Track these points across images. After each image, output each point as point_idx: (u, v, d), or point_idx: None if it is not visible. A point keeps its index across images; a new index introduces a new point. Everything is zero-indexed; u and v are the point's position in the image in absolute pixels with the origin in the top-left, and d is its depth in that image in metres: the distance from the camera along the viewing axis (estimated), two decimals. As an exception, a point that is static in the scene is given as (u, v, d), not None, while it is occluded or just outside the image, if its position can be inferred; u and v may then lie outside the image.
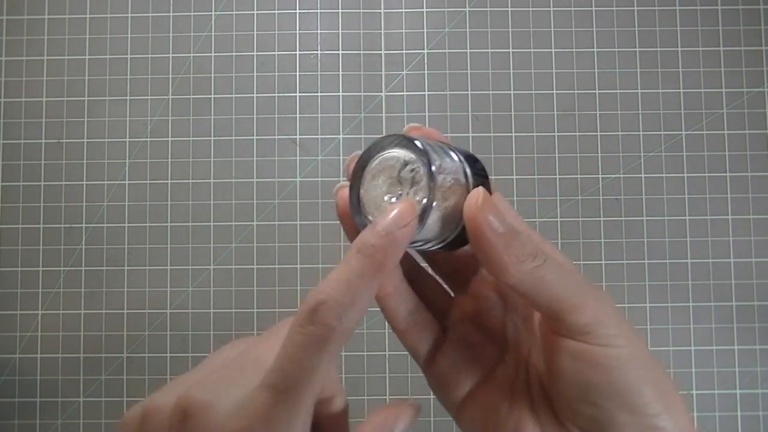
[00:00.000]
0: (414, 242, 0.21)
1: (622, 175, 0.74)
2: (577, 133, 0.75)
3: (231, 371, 0.18)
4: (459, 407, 0.24)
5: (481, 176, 0.22)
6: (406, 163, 0.21)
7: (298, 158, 0.75)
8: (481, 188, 0.20)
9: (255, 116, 0.75)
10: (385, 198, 0.21)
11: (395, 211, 0.18)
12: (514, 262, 0.19)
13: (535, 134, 0.75)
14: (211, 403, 0.16)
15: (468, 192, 0.20)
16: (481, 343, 0.24)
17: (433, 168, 0.20)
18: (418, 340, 0.23)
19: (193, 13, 0.76)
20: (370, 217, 0.21)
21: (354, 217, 0.21)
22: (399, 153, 0.21)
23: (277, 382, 0.16)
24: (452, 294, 0.26)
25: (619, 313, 0.20)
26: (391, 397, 0.70)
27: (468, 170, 0.21)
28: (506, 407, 0.22)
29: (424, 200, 0.20)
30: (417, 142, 0.21)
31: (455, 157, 0.22)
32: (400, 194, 0.20)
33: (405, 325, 0.23)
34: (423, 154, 0.20)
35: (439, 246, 0.22)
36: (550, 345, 0.21)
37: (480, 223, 0.19)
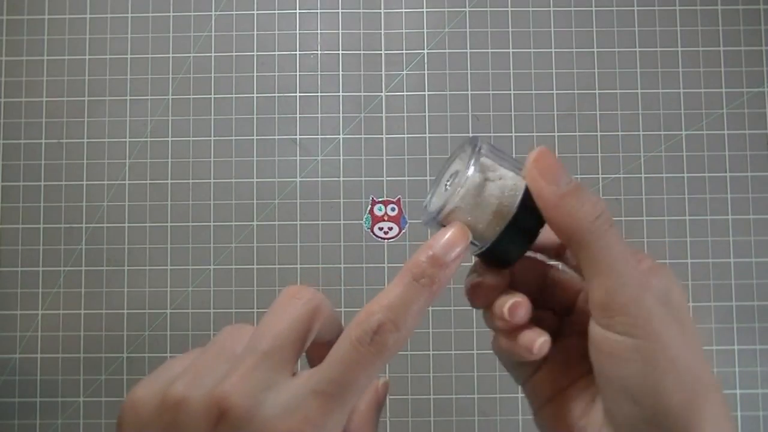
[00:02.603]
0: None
1: (622, 175, 0.74)
2: (577, 133, 0.75)
3: (259, 364, 0.18)
4: (541, 408, 0.24)
5: (524, 228, 0.21)
6: (464, 156, 0.23)
7: (298, 158, 0.75)
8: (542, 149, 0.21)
9: (255, 116, 0.75)
10: (445, 187, 0.22)
11: (448, 236, 0.20)
12: (567, 216, 0.20)
13: (535, 134, 0.75)
14: (251, 404, 0.17)
15: (505, 210, 0.21)
16: (578, 357, 0.24)
17: (476, 166, 0.21)
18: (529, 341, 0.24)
19: (193, 13, 0.76)
20: (432, 203, 0.23)
21: (425, 213, 0.23)
22: (466, 151, 0.23)
23: (331, 390, 0.17)
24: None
25: (651, 306, 0.19)
26: (391, 397, 0.70)
27: (518, 201, 0.21)
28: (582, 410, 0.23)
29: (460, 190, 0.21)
30: (476, 143, 0.22)
31: (518, 173, 0.22)
32: (451, 181, 0.22)
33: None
34: (475, 147, 0.22)
35: (483, 249, 0.22)
36: (589, 340, 0.21)
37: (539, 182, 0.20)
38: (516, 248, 0.22)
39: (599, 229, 0.20)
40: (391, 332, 0.18)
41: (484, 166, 0.21)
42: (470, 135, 0.22)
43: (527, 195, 0.21)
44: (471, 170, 0.21)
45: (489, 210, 0.21)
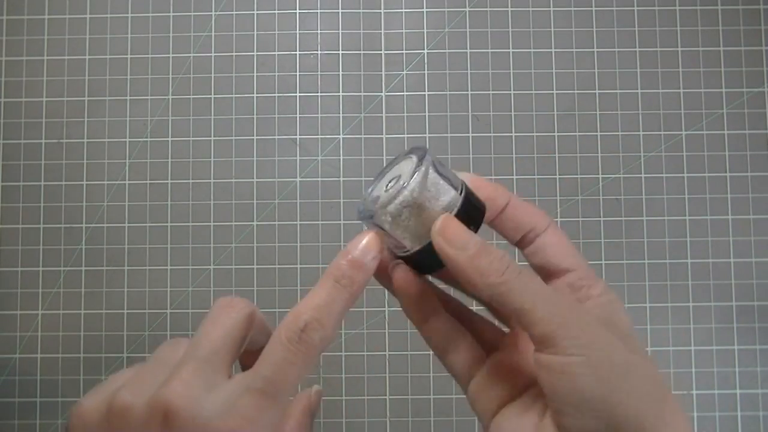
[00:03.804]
0: (400, 247, 0.23)
1: (622, 175, 0.74)
2: (577, 133, 0.75)
3: (197, 369, 0.19)
4: (490, 422, 0.24)
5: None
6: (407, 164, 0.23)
7: (298, 158, 0.75)
8: (446, 215, 0.22)
9: (255, 116, 0.75)
10: (386, 188, 0.23)
11: (364, 241, 0.22)
12: (480, 276, 0.21)
13: (535, 134, 0.75)
14: (192, 404, 0.18)
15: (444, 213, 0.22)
16: (519, 368, 0.25)
17: (420, 173, 0.22)
18: (455, 361, 0.25)
19: (193, 13, 0.76)
20: (370, 200, 0.24)
21: (361, 208, 0.24)
22: (410, 159, 0.24)
23: (265, 388, 0.19)
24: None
25: (589, 322, 0.21)
26: (390, 397, 0.70)
27: (458, 208, 0.22)
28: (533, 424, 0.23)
29: (405, 191, 0.22)
30: (423, 155, 0.23)
31: (455, 192, 0.23)
32: (392, 185, 0.23)
33: (442, 349, 0.25)
34: (422, 159, 0.22)
35: (417, 253, 0.23)
36: (536, 366, 0.21)
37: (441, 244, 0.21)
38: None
39: (510, 279, 0.21)
40: (317, 330, 0.20)
41: (426, 178, 0.22)
42: (418, 146, 0.23)
43: (461, 209, 0.22)
44: (413, 180, 0.22)
45: (426, 218, 0.22)
